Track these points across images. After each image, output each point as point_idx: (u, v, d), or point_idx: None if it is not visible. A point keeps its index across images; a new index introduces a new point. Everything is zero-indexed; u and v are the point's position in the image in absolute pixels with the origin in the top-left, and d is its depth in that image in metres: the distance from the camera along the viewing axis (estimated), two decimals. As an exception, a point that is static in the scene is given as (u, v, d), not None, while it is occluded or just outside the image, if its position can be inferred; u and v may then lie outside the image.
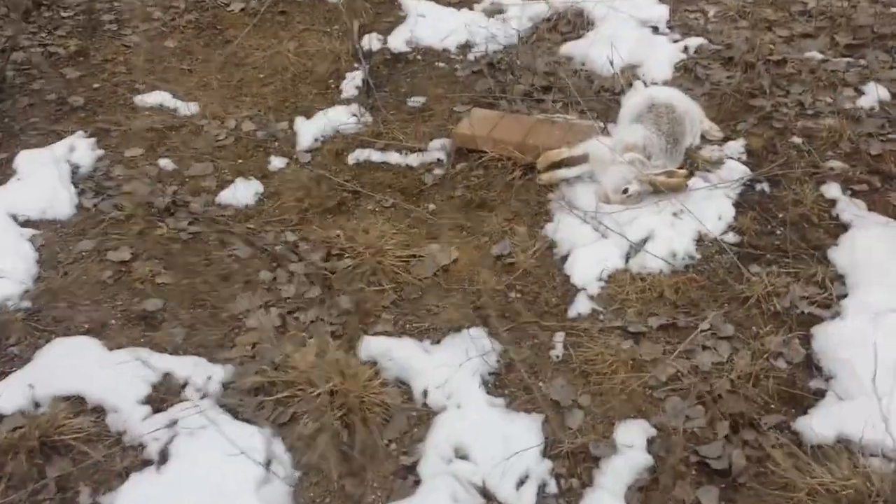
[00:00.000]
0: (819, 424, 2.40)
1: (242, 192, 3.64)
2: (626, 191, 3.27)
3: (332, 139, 3.99)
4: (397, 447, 2.50)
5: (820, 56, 4.37)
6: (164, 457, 2.44)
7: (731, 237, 3.20)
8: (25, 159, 3.76)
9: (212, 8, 5.17)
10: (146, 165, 3.82)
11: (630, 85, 4.13)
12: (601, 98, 4.09)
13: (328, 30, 4.98)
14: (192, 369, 2.67)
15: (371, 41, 4.79)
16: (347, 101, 4.32)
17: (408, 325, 2.91)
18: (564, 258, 3.13)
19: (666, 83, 4.24)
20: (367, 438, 2.47)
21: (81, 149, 3.87)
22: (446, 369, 2.60)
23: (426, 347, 2.74)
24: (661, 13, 4.86)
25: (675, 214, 3.27)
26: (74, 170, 3.77)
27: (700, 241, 3.17)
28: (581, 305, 2.91)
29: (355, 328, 2.87)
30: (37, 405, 2.57)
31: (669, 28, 4.77)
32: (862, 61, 4.32)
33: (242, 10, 5.21)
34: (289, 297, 3.04)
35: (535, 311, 2.93)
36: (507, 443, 2.39)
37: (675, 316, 2.84)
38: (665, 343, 2.74)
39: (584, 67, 4.44)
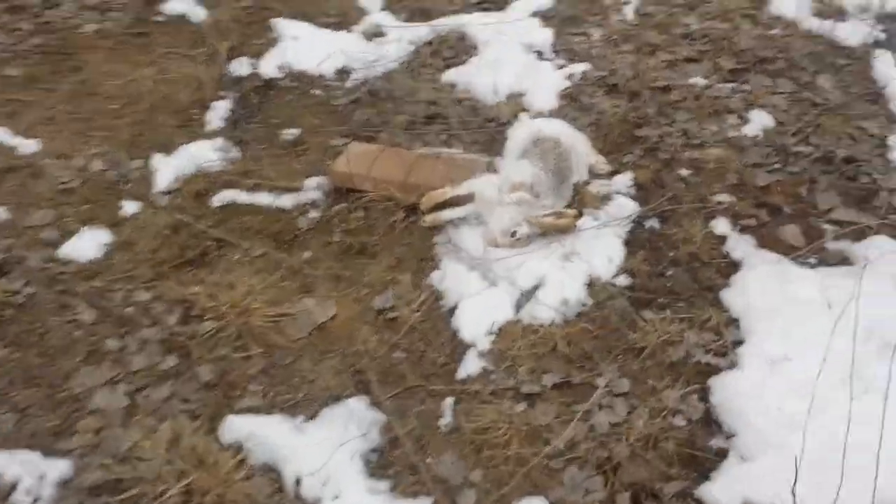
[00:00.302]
0: (722, 490, 2.30)
1: (89, 244, 3.28)
2: (514, 234, 3.11)
3: (194, 178, 3.67)
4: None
5: (704, 81, 4.37)
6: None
7: (623, 280, 3.08)
8: None
9: (61, 30, 4.74)
10: (-25, 215, 3.38)
11: (515, 116, 3.98)
12: (487, 129, 3.93)
13: (192, 54, 4.64)
14: (23, 467, 2.30)
15: (240, 66, 4.50)
16: (212, 135, 4.00)
17: (278, 398, 2.64)
18: (452, 310, 2.93)
19: (552, 112, 4.13)
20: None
21: None
22: (322, 451, 2.35)
23: (299, 425, 2.49)
24: (546, 37, 4.77)
25: (565, 257, 3.13)
26: None
27: (592, 285, 3.03)
28: (471, 364, 2.72)
29: (217, 405, 2.59)
30: None
31: (554, 52, 4.69)
32: (745, 86, 4.34)
33: (96, 31, 4.80)
34: (139, 370, 2.73)
35: (422, 372, 2.71)
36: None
37: (570, 372, 2.69)
38: (560, 404, 2.59)
39: (469, 95, 4.28)
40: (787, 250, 3.23)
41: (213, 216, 3.47)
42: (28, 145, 3.80)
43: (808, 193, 3.57)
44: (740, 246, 3.24)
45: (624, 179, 3.68)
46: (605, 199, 3.55)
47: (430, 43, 4.79)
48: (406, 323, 2.91)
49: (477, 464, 2.45)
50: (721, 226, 3.37)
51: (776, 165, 3.74)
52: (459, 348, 2.82)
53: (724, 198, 3.54)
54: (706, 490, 2.34)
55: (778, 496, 2.18)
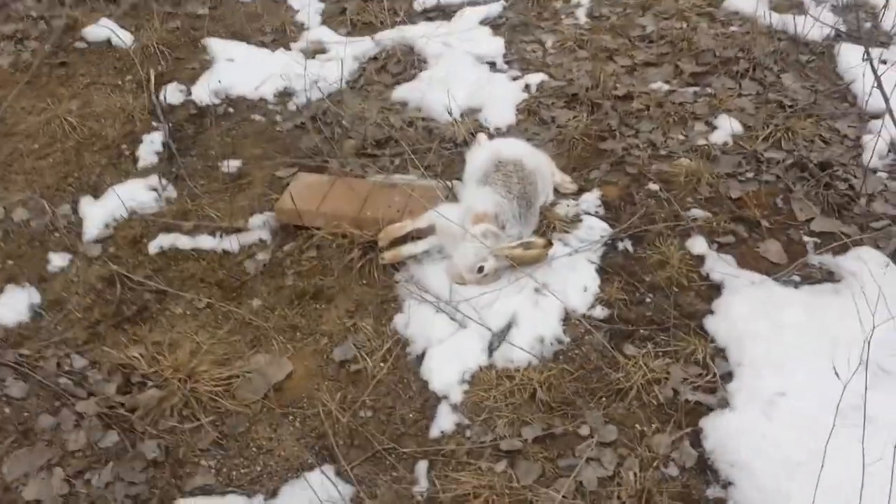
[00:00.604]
0: (724, 549, 2.12)
1: (14, 306, 3.05)
2: (481, 269, 2.95)
3: (128, 223, 3.44)
4: None
5: (666, 87, 4.26)
6: None
7: (600, 311, 2.94)
8: None
9: (-29, 64, 4.42)
10: None
11: (473, 135, 3.80)
12: (442, 152, 3.74)
13: (119, 83, 4.40)
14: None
15: (172, 93, 4.25)
16: (145, 172, 3.77)
17: (234, 473, 2.44)
18: (420, 358, 2.77)
19: (510, 128, 3.98)
20: None
21: None
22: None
23: (259, 505, 2.27)
24: (497, 47, 4.63)
25: (537, 291, 2.98)
26: None
27: (567, 319, 2.87)
28: (444, 420, 2.56)
29: (166, 486, 2.36)
30: None
31: (507, 63, 4.54)
32: (709, 90, 4.25)
33: (11, 64, 4.48)
34: (77, 451, 2.50)
35: (391, 432, 2.53)
36: None
37: (551, 422, 2.54)
38: (544, 460, 2.43)
39: (421, 115, 4.11)
40: (769, 269, 3.12)
41: (150, 265, 3.24)
42: (-61, 198, 3.49)
43: (784, 203, 3.47)
44: (720, 266, 3.12)
45: (592, 198, 3.54)
46: (574, 221, 3.40)
47: (375, 58, 4.61)
48: (371, 376, 2.70)
49: (458, 538, 2.26)
50: (698, 245, 3.24)
51: (749, 174, 3.63)
52: (431, 401, 2.64)
53: (699, 213, 3.43)
54: (708, 549, 2.18)
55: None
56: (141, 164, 3.82)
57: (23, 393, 2.69)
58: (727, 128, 3.91)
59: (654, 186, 3.58)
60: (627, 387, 2.65)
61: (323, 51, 4.61)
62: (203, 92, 4.28)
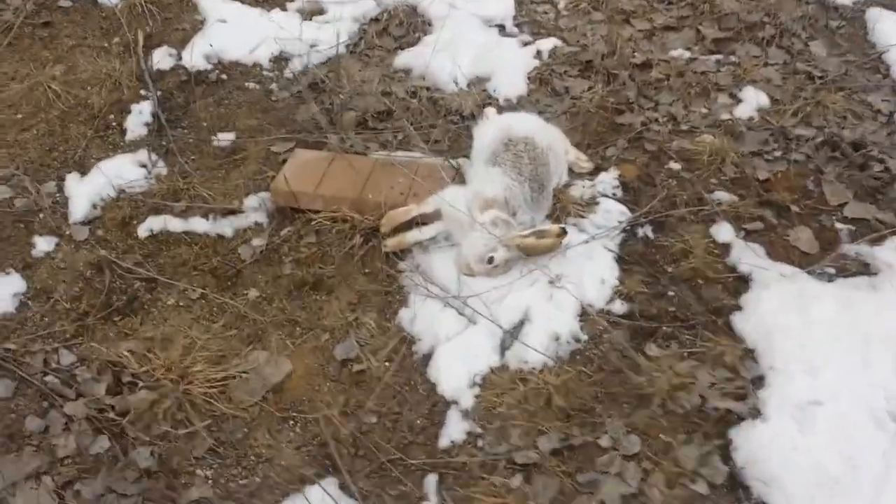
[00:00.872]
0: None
1: (-3, 295, 2.82)
2: (490, 260, 2.77)
3: (116, 204, 3.26)
4: None
5: (687, 54, 4.05)
6: None
7: (619, 306, 2.78)
8: None
9: (-50, 25, 4.18)
10: None
11: (481, 107, 3.59)
12: (449, 126, 3.53)
13: (105, 45, 4.17)
14: None
15: (162, 58, 4.01)
16: (133, 146, 3.58)
17: (232, 485, 2.30)
18: (427, 357, 2.60)
19: (521, 99, 3.77)
20: None
21: None
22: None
23: (258, 524, 2.13)
24: (507, 8, 4.41)
25: (551, 283, 2.81)
26: None
27: (585, 315, 2.70)
28: (454, 428, 2.42)
29: (161, 498, 2.22)
30: None
31: (517, 26, 4.31)
32: (733, 58, 4.03)
33: (-8, 24, 4.24)
34: (67, 458, 2.36)
35: (398, 441, 2.39)
36: None
37: (569, 431, 2.40)
38: (562, 474, 2.28)
39: (426, 84, 3.89)
40: (800, 260, 2.95)
41: (140, 250, 3.08)
42: (-86, 173, 3.30)
43: (815, 186, 3.29)
44: (747, 256, 2.95)
45: (608, 178, 3.36)
46: (590, 204, 3.20)
47: (377, 20, 4.38)
48: (375, 377, 2.54)
49: (472, 562, 2.13)
50: (723, 232, 3.07)
51: (777, 153, 3.44)
52: (439, 406, 2.49)
53: (724, 196, 3.25)
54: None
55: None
56: (129, 136, 3.63)
57: (9, 392, 2.56)
58: (753, 101, 3.71)
59: (675, 165, 3.39)
60: (651, 393, 2.47)
61: (321, 11, 4.38)
62: (194, 55, 4.09)
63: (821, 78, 3.82)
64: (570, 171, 3.37)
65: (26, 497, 2.25)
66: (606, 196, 3.27)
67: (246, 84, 3.97)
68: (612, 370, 2.60)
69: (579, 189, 3.29)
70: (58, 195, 3.32)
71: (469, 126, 3.52)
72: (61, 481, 2.32)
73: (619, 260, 2.97)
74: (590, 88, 3.85)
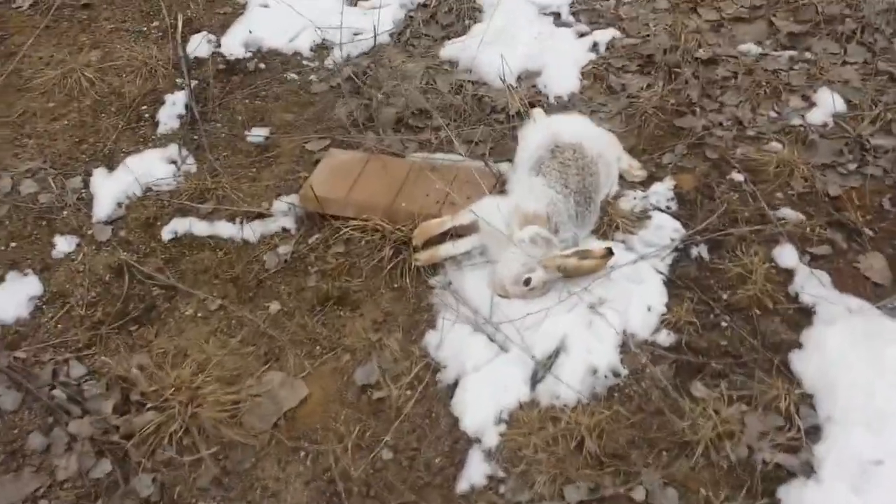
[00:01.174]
0: None
1: (13, 298, 2.81)
2: (527, 282, 2.57)
3: (142, 203, 3.15)
4: None
5: (757, 49, 3.75)
6: None
7: (666, 337, 2.57)
8: None
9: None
10: None
11: (529, 107, 3.37)
12: (493, 125, 3.32)
13: (144, 29, 4.08)
14: None
15: (199, 44, 3.88)
16: (165, 140, 3.47)
17: (235, 522, 2.15)
18: (452, 388, 2.42)
19: (573, 97, 3.55)
20: None
21: None
22: None
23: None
24: (564, -6, 4.08)
25: (592, 308, 2.59)
26: None
27: (626, 346, 2.49)
28: (475, 470, 2.26)
29: (159, 534, 2.09)
30: None
31: (574, 15, 4.08)
32: (808, 54, 3.70)
33: (33, 5, 4.17)
34: (66, 481, 2.27)
35: (413, 481, 2.24)
36: None
37: (600, 479, 2.22)
38: (589, 531, 2.06)
39: (472, 78, 3.69)
40: (871, 293, 2.67)
41: (163, 253, 2.97)
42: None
43: (892, 205, 3.01)
44: (811, 285, 2.70)
45: (663, 189, 3.11)
46: (641, 218, 2.96)
47: (425, 5, 4.15)
48: (395, 407, 2.38)
49: None
50: (787, 255, 2.82)
51: (851, 166, 3.15)
52: (461, 444, 2.32)
53: (789, 213, 2.99)
54: None
55: None
56: (161, 129, 3.52)
57: (15, 405, 2.49)
58: (828, 104, 3.41)
59: (737, 177, 3.14)
60: (694, 440, 2.25)
61: (367, -4, 4.15)
62: (233, 43, 3.95)
63: (906, 80, 3.47)
64: (622, 179, 3.11)
65: (24, 522, 2.15)
66: (659, 209, 3.04)
67: (285, 74, 3.83)
68: (652, 411, 2.39)
69: (630, 201, 3.06)
70: (83, 191, 3.22)
71: (515, 127, 3.30)
72: (60, 506, 2.20)
73: (669, 284, 2.74)
74: (649, 86, 3.60)
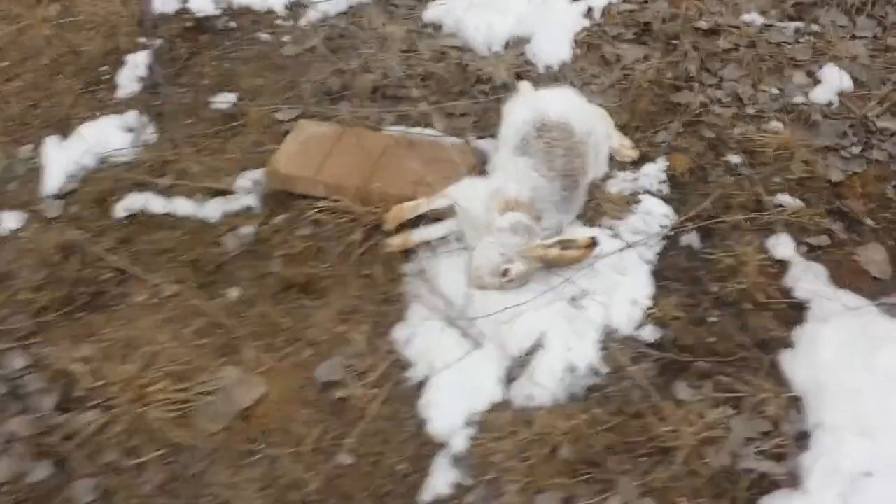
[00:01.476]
0: None
1: (-47, 281, 2.63)
2: (506, 273, 2.45)
3: (96, 175, 3.01)
4: None
5: (761, 20, 3.60)
6: None
7: (650, 333, 2.48)
8: None
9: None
10: None
11: (515, 78, 3.23)
12: (478, 95, 3.19)
13: (110, -21, 3.84)
14: None
15: (166, -1, 3.70)
16: (123, 106, 3.30)
17: (181, 532, 2.06)
18: (420, 387, 2.31)
19: (563, 68, 3.40)
20: None
21: None
22: None
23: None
24: (560, -47, 3.91)
25: (573, 300, 2.48)
26: None
27: (608, 342, 2.40)
28: (441, 478, 2.18)
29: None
30: None
31: (569, -24, 3.84)
32: (815, 27, 3.55)
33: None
34: (3, 485, 2.17)
35: (374, 489, 2.17)
36: None
37: (573, 489, 2.16)
38: (559, 546, 1.98)
39: (456, 44, 3.54)
40: (870, 289, 2.57)
41: (116, 232, 2.85)
42: None
43: (896, 193, 2.84)
44: (807, 279, 2.60)
45: (655, 170, 3.01)
46: (630, 203, 2.84)
47: (409, -41, 3.95)
48: (359, 407, 2.28)
49: None
50: (782, 246, 2.71)
51: (855, 149, 3.04)
52: (427, 449, 2.24)
53: (787, 200, 2.87)
54: None
55: None
56: (120, 93, 3.38)
57: (-47, 399, 2.32)
58: (834, 82, 3.29)
59: (734, 158, 3.03)
60: (675, 446, 2.16)
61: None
62: (203, -1, 3.72)
63: (918, 58, 3.33)
64: (612, 159, 2.98)
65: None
66: (650, 192, 2.93)
67: (256, 34, 3.66)
68: (632, 414, 2.30)
69: (619, 183, 2.93)
70: (33, 161, 3.05)
71: (500, 99, 3.16)
72: (-5, 510, 2.10)
73: (656, 275, 2.64)
74: (645, 58, 3.47)
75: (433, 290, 2.59)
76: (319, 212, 2.83)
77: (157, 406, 2.32)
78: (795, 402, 2.33)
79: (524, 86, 3.15)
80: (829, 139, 3.09)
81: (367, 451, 2.28)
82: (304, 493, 2.19)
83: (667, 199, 2.91)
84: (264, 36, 3.70)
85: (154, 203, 2.94)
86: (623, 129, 3.14)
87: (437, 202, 2.68)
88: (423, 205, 2.69)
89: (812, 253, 2.72)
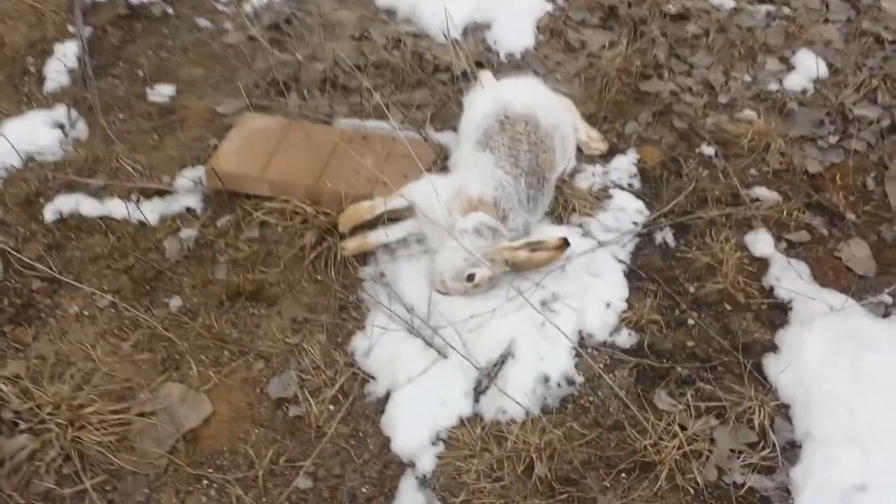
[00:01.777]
0: None
1: None
2: (471, 278, 2.33)
3: (22, 176, 2.84)
4: None
5: (731, 4, 3.51)
6: None
7: (626, 338, 2.40)
8: None
9: None
10: None
11: (475, 66, 3.12)
12: (437, 86, 3.07)
13: (34, -35, 3.65)
14: None
15: (97, -15, 3.53)
16: (51, 99, 3.12)
17: (122, 570, 1.91)
18: (382, 402, 2.19)
19: (526, 55, 3.31)
20: None
21: None
22: None
23: None
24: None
25: (544, 305, 2.37)
26: None
27: (582, 348, 2.30)
28: (407, 500, 2.06)
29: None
30: None
31: (530, -42, 3.75)
32: (786, 10, 3.51)
33: None
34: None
35: (334, 517, 1.99)
36: None
37: (551, 511, 1.98)
38: (536, 574, 1.88)
39: (413, 30, 3.40)
40: (854, 284, 2.50)
41: (45, 237, 2.67)
42: None
43: (877, 185, 2.83)
44: (788, 278, 2.56)
45: (625, 164, 2.93)
46: (601, 198, 2.76)
47: (360, -56, 3.83)
48: (315, 426, 2.15)
49: None
50: (761, 242, 2.66)
51: (832, 139, 2.99)
52: (392, 470, 2.13)
53: (764, 193, 2.82)
54: None
55: None
56: (48, 86, 3.21)
57: None
58: (808, 68, 3.27)
59: (707, 150, 2.95)
60: (657, 460, 2.07)
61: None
62: (136, -17, 3.55)
63: (892, 42, 3.29)
64: (580, 152, 2.90)
65: None
66: (621, 187, 2.85)
67: (196, 21, 3.49)
68: (610, 426, 2.22)
69: (588, 178, 2.84)
70: (-46, 163, 2.86)
71: (460, 90, 3.05)
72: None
73: (630, 275, 2.55)
74: (612, 44, 3.38)
75: (393, 297, 2.47)
76: (267, 213, 2.70)
77: (94, 430, 2.15)
78: (782, 410, 2.27)
79: (485, 75, 3.05)
80: (806, 129, 3.05)
81: (327, 474, 2.17)
82: (256, 524, 2.03)
83: (639, 195, 2.84)
84: (204, 23, 3.55)
85: (86, 205, 2.78)
86: (590, 119, 3.07)
87: (395, 202, 2.56)
88: (379, 205, 2.57)
89: (792, 249, 2.67)
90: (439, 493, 2.10)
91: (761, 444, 2.20)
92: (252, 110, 3.00)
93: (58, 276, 2.55)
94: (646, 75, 3.20)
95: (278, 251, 2.62)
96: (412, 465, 2.16)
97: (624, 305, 2.50)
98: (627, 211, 2.76)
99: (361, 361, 2.35)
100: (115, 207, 2.77)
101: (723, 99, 3.16)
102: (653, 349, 2.41)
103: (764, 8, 3.55)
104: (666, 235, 2.69)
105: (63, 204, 2.78)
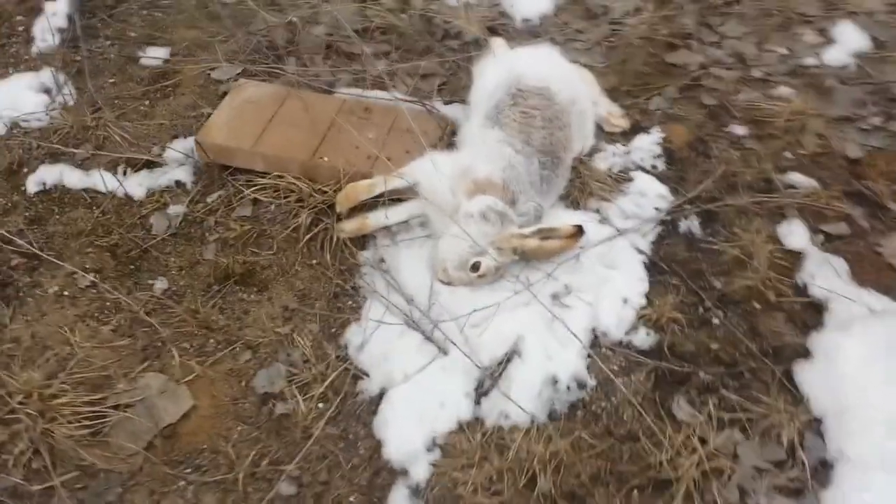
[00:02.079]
0: None
1: None
2: (476, 267, 2.13)
3: (6, 143, 2.67)
4: None
5: (768, -31, 3.25)
6: None
7: (644, 338, 2.20)
8: None
9: None
10: None
11: (487, 35, 2.90)
12: (446, 53, 2.85)
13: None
14: None
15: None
16: (38, 63, 2.92)
17: (88, 578, 1.77)
18: (376, 402, 2.01)
19: (544, 22, 3.08)
20: None
21: None
22: None
23: None
24: None
25: (554, 298, 2.17)
26: None
27: (595, 349, 2.09)
28: (398, 513, 1.83)
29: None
30: None
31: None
32: (827, -24, 3.23)
33: None
34: None
35: (319, 529, 1.83)
36: None
37: (555, 529, 1.80)
38: None
39: (422, -8, 3.15)
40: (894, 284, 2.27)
41: (27, 210, 2.50)
42: None
43: (924, 173, 2.58)
44: (824, 275, 2.34)
45: (649, 143, 2.72)
46: (621, 180, 2.54)
47: None
48: (302, 426, 1.99)
49: None
50: (795, 234, 2.46)
51: (875, 120, 2.75)
52: (382, 477, 1.96)
53: (800, 179, 2.60)
54: None
55: None
56: (36, 47, 3.00)
57: None
58: (848, 42, 3.01)
59: (739, 129, 2.74)
60: (674, 478, 1.89)
61: None
62: (132, -62, 3.34)
63: (944, 15, 3.04)
64: (599, 130, 2.67)
65: None
66: (643, 169, 2.64)
67: (192, -22, 3.27)
68: (623, 436, 2.03)
69: (608, 158, 2.62)
70: (-67, 127, 2.70)
71: (471, 58, 2.82)
72: None
73: (651, 267, 2.35)
74: (637, 10, 3.13)
75: (392, 286, 2.27)
76: (260, 190, 2.50)
77: (66, 422, 1.99)
78: (814, 425, 2.06)
79: (497, 43, 2.83)
80: (846, 108, 2.83)
81: (312, 480, 2.01)
82: (233, 535, 1.87)
83: (662, 178, 2.63)
84: (202, -20, 3.30)
85: (70, 176, 2.63)
86: (611, 93, 2.86)
87: (397, 181, 2.35)
88: (379, 184, 2.37)
89: (829, 243, 2.46)
90: (433, 505, 1.91)
91: (789, 463, 1.99)
92: (248, 76, 2.78)
93: (38, 252, 2.35)
94: (673, 45, 2.98)
95: (271, 231, 2.45)
96: (405, 472, 1.98)
97: (643, 301, 2.30)
98: (649, 196, 2.55)
99: (355, 356, 2.18)
100: (101, 180, 2.58)
101: (756, 73, 2.94)
102: (673, 351, 2.22)
103: (804, -26, 3.26)
104: (691, 224, 2.50)
105: (47, 174, 2.65)
